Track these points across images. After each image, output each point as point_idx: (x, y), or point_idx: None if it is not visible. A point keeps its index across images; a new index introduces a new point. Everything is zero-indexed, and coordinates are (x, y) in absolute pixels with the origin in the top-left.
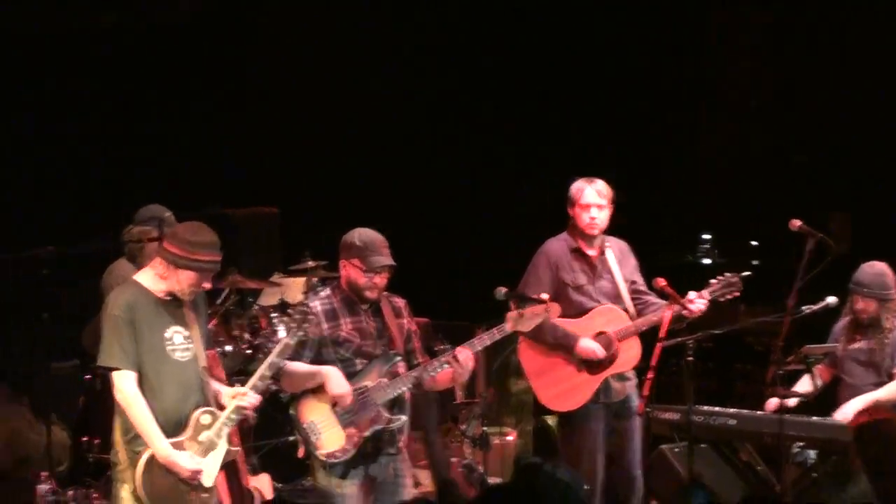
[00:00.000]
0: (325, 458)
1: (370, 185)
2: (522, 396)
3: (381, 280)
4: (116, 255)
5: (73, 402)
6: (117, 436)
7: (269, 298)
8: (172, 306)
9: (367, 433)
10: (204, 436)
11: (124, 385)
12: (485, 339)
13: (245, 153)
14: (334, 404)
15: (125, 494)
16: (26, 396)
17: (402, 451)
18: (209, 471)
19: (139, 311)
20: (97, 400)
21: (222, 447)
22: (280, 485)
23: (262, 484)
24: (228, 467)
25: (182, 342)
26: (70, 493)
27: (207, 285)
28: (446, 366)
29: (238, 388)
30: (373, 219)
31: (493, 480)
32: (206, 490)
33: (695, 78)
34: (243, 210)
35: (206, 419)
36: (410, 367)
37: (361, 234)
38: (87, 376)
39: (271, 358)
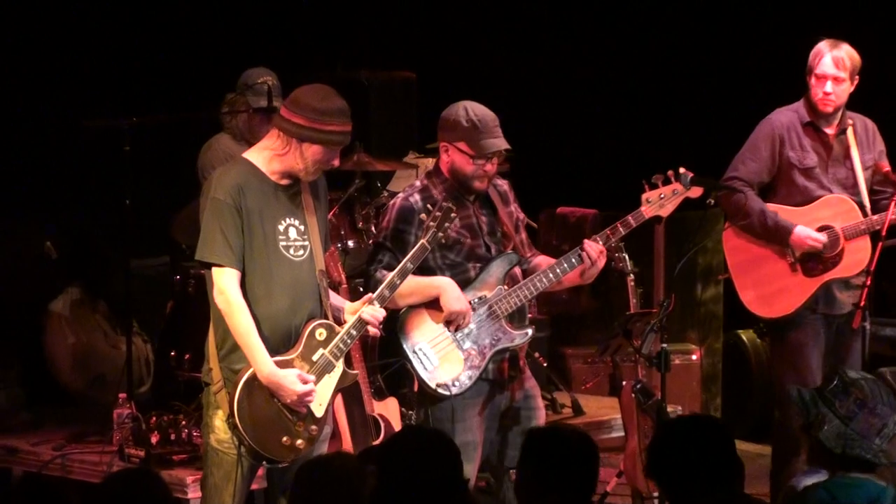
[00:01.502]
0: (440, 390)
1: (519, 49)
2: (711, 306)
3: (491, 167)
4: (216, 129)
5: (159, 308)
6: (211, 349)
7: (401, 183)
8: (289, 192)
9: (489, 353)
10: (318, 354)
11: (226, 285)
12: (618, 228)
13: (374, 3)
14: (448, 322)
15: (218, 423)
16: (102, 301)
17: (525, 370)
18: (322, 397)
19: (249, 197)
20: (189, 306)
21: (339, 369)
22: (410, 411)
23: (390, 411)
24: (347, 393)
25: (297, 238)
26: (153, 418)
27: (336, 162)
28: (574, 262)
29: (362, 299)
30: (518, 88)
31: (672, 409)
32: (317, 420)
33: None
34: (373, 74)
35: (321, 334)
36: (520, 265)
37: (469, 111)
38: (177, 276)
39: (404, 262)
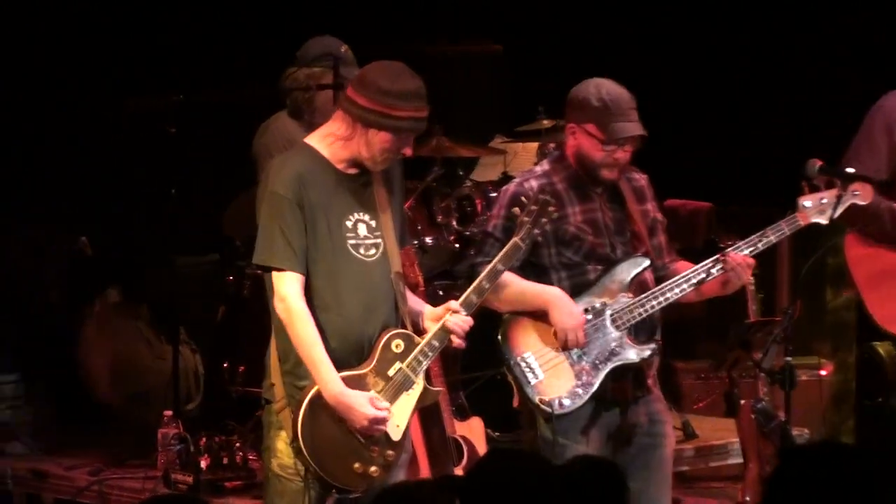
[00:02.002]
0: (546, 408)
1: (620, 14)
2: (842, 314)
3: (624, 155)
4: (274, 108)
5: (209, 313)
6: (273, 362)
7: (487, 171)
8: (357, 182)
9: (605, 370)
10: (394, 369)
11: (288, 292)
12: (768, 236)
13: None
14: (557, 339)
15: (281, 446)
16: (144, 305)
17: (653, 390)
18: (399, 419)
19: (312, 189)
20: (243, 311)
21: (419, 385)
22: (496, 433)
23: (474, 432)
24: (425, 412)
25: (367, 235)
26: (203, 440)
27: (408, 151)
28: (714, 272)
29: (445, 305)
30: (620, 60)
31: (797, 432)
32: (394, 444)
33: None
34: (455, 47)
35: (398, 345)
36: (655, 271)
37: (601, 89)
38: (230, 277)
39: (493, 264)
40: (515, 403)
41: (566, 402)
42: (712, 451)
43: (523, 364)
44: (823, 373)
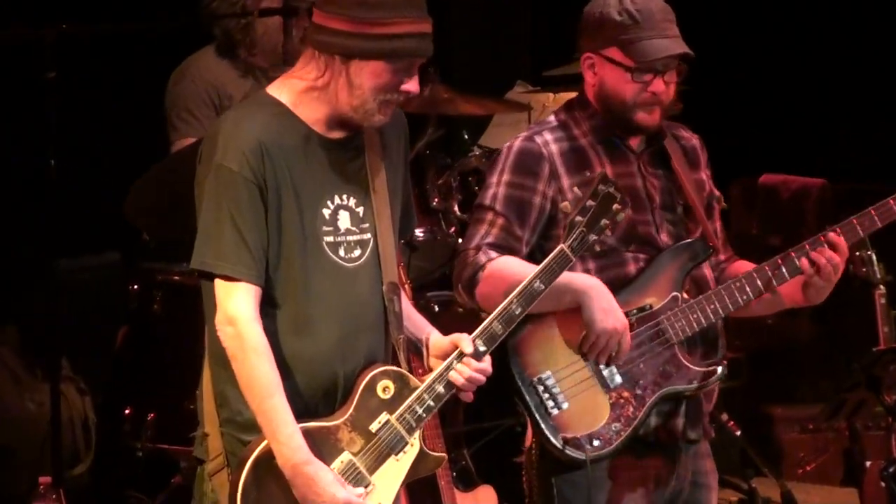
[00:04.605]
0: (568, 449)
1: None
2: None
3: (662, 87)
4: (194, 44)
5: (104, 337)
6: (207, 404)
7: (502, 135)
8: (342, 152)
9: (653, 399)
10: (379, 422)
11: (240, 310)
12: (872, 219)
13: None
14: (590, 347)
15: None
16: (12, 326)
17: (708, 434)
18: (382, 495)
19: (279, 162)
20: (153, 334)
21: (413, 450)
22: None
23: (483, 501)
24: (417, 480)
25: (351, 228)
26: None
27: (413, 87)
28: (796, 268)
29: (453, 338)
30: None
31: None
32: None
33: None
34: None
35: (386, 388)
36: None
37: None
38: (134, 286)
39: (530, 279)
40: (528, 442)
41: (599, 440)
42: None
43: (540, 388)
44: None
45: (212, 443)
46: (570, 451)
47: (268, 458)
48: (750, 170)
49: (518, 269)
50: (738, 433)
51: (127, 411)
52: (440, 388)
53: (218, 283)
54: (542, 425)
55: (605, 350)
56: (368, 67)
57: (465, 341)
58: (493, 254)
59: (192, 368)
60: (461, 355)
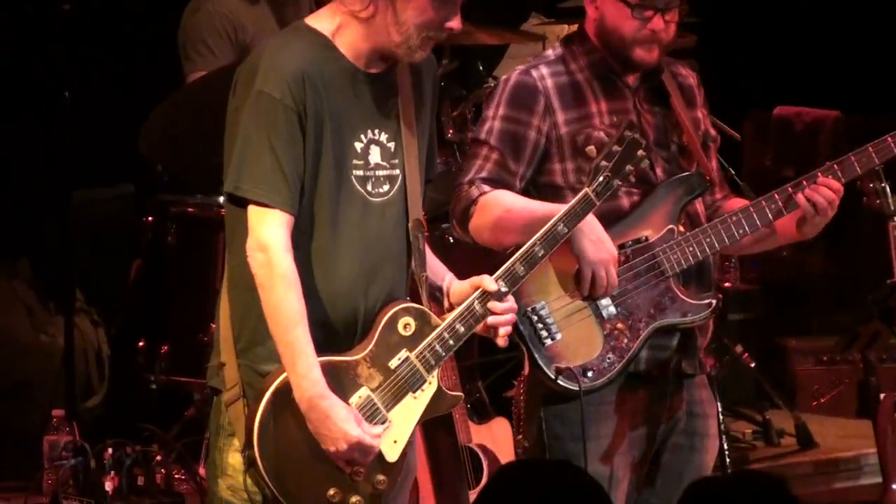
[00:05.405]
0: (561, 379)
1: None
2: None
3: (664, 25)
4: None
5: (118, 270)
6: (224, 333)
7: (515, 65)
8: (379, 86)
9: (647, 331)
10: (399, 359)
11: (272, 238)
12: (869, 155)
13: None
14: (581, 281)
15: (234, 459)
16: (24, 259)
17: (703, 368)
18: (398, 432)
19: (321, 93)
20: (168, 267)
21: (431, 388)
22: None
23: (497, 438)
24: (434, 418)
25: (381, 163)
26: (109, 451)
27: (456, 24)
28: (793, 203)
29: (473, 280)
30: None
31: None
32: (388, 469)
33: None
34: None
35: (406, 325)
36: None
37: None
38: (148, 217)
39: (553, 223)
40: (525, 374)
41: (592, 371)
42: (838, 466)
43: (534, 318)
44: None
45: (228, 373)
46: (562, 382)
47: (286, 390)
48: (764, 102)
49: (510, 203)
50: (753, 365)
51: (140, 343)
52: (461, 328)
53: (252, 209)
54: (536, 355)
55: (598, 280)
56: (414, 3)
57: (488, 281)
58: (485, 188)
59: (205, 300)
60: (484, 294)
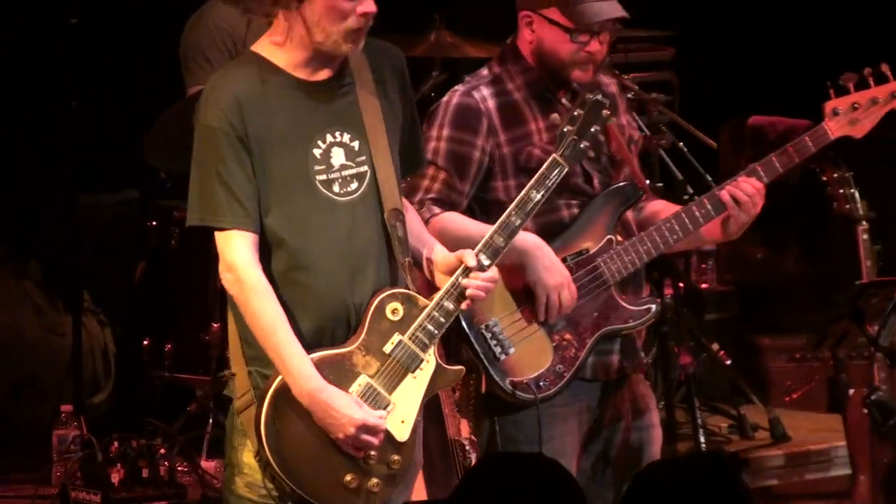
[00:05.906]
0: (518, 391)
1: None
2: None
3: (599, 48)
4: None
5: (123, 271)
6: (233, 343)
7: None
8: (331, 91)
9: (592, 339)
10: (392, 343)
11: (236, 257)
12: (789, 155)
13: None
14: (534, 302)
15: (250, 458)
16: (33, 260)
17: (641, 366)
18: (404, 411)
19: (258, 113)
20: (172, 269)
21: (429, 365)
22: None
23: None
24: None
25: (347, 163)
26: (115, 445)
27: (368, 7)
28: (720, 206)
29: (458, 253)
30: None
31: None
32: (400, 448)
33: None
34: None
35: (395, 310)
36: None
37: None
38: (152, 222)
39: (527, 190)
40: (482, 387)
41: (545, 382)
42: (810, 458)
43: (488, 335)
44: None
45: (238, 381)
46: (519, 394)
47: (285, 390)
48: (739, 111)
49: (459, 225)
50: (729, 363)
51: (145, 342)
52: (449, 305)
53: (217, 235)
54: (491, 370)
55: (552, 304)
56: (317, 3)
57: (469, 255)
58: (435, 209)
59: (206, 301)
60: (466, 270)
